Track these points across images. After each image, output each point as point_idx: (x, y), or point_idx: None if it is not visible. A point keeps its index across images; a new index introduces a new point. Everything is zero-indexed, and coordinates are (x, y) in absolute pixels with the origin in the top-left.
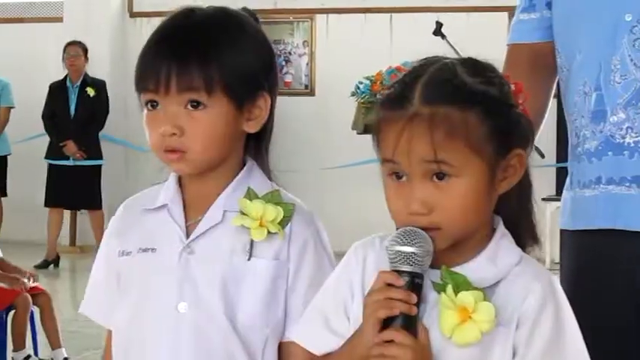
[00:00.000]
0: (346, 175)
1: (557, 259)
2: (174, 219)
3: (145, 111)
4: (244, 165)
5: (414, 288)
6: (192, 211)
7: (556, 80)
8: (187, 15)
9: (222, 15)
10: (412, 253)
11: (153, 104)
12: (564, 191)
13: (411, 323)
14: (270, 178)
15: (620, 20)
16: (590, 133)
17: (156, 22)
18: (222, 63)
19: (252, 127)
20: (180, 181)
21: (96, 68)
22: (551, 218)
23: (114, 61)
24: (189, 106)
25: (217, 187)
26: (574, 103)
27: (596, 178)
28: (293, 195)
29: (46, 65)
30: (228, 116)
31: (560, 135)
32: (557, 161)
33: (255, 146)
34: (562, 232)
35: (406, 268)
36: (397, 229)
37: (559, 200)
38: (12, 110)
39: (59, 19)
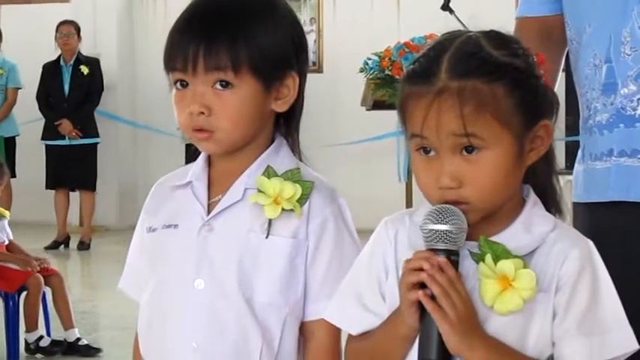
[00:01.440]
0: (355, 151)
1: None
2: (196, 196)
3: (174, 90)
4: (273, 143)
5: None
6: (216, 189)
7: (565, 53)
8: None
9: None
10: (446, 230)
11: (182, 83)
12: (576, 164)
13: None
14: (300, 157)
15: None
16: (601, 105)
17: (161, 2)
18: (250, 43)
19: (280, 107)
20: (209, 159)
21: (103, 47)
22: (560, 191)
23: (121, 40)
24: (217, 86)
25: (243, 165)
26: (585, 75)
27: (607, 151)
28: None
29: (54, 46)
30: (256, 96)
31: (569, 109)
32: (567, 135)
33: (285, 125)
34: (575, 204)
35: (441, 246)
36: (432, 205)
37: (569, 174)
38: (20, 91)
39: (67, 0)
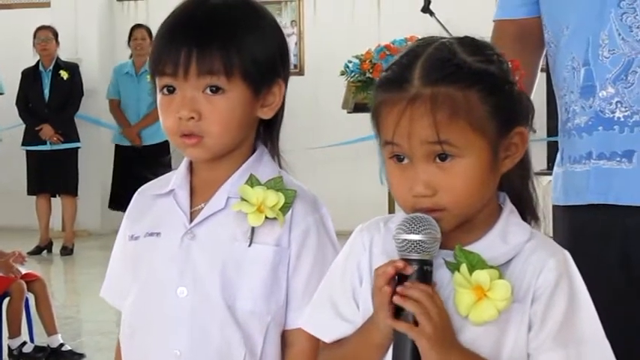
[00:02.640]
0: (336, 154)
1: (551, 233)
2: (178, 204)
3: (160, 95)
4: (254, 151)
5: (424, 275)
6: (198, 197)
7: (543, 55)
8: (203, 1)
9: (238, 1)
10: (419, 240)
11: (169, 89)
12: (555, 167)
13: None
14: (280, 164)
15: None
16: (580, 108)
17: (143, 6)
18: (242, 48)
19: (266, 114)
20: (191, 167)
21: (84, 52)
22: (542, 193)
23: (102, 45)
24: (207, 91)
25: (226, 173)
26: (563, 78)
27: (586, 153)
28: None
29: (33, 51)
30: (245, 102)
31: (551, 109)
32: (548, 135)
33: (267, 132)
34: (554, 207)
35: (414, 256)
36: (406, 212)
37: (550, 175)
38: (0, 97)
39: (47, 5)
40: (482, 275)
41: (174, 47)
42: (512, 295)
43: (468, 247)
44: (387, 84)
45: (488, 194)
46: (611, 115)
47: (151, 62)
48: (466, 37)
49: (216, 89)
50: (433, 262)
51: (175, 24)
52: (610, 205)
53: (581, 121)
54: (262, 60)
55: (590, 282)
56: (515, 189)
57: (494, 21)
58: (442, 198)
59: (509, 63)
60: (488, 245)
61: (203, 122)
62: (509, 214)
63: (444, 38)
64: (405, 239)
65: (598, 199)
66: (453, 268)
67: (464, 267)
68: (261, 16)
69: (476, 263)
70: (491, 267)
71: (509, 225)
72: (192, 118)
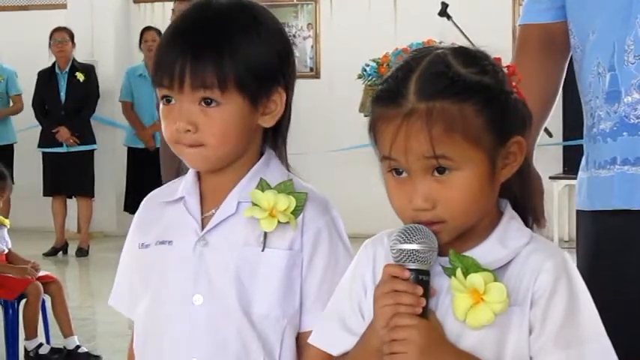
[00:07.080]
0: (352, 157)
1: (566, 237)
2: (189, 211)
3: (161, 104)
4: (262, 155)
5: (420, 284)
6: (208, 203)
7: (568, 60)
8: (202, 9)
9: (238, 9)
10: (415, 250)
11: (168, 99)
12: (580, 172)
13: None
14: (288, 169)
15: (633, 0)
16: (605, 113)
17: (159, 8)
18: (236, 60)
19: (267, 122)
20: (198, 173)
21: (101, 54)
22: (558, 197)
23: (118, 48)
24: (202, 103)
25: (234, 179)
26: (588, 83)
27: (611, 159)
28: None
29: (49, 53)
30: (242, 112)
31: (567, 113)
32: (564, 139)
33: (273, 137)
34: (578, 212)
35: (411, 265)
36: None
37: (566, 179)
38: (17, 98)
39: (63, 6)
40: (476, 278)
41: (170, 59)
42: (508, 297)
43: (467, 253)
44: (383, 99)
45: (487, 204)
46: (636, 121)
47: (152, 72)
48: (460, 48)
49: (211, 101)
50: (430, 271)
51: (173, 34)
52: (634, 211)
53: (606, 127)
54: (259, 70)
55: (612, 286)
56: (516, 195)
57: (519, 25)
58: (442, 211)
59: (506, 69)
60: (486, 250)
61: (200, 134)
62: (509, 220)
63: (439, 49)
64: (401, 249)
65: (622, 205)
66: (450, 273)
67: (459, 271)
68: (259, 22)
69: (470, 266)
70: (485, 270)
71: (509, 230)
72: (189, 130)
